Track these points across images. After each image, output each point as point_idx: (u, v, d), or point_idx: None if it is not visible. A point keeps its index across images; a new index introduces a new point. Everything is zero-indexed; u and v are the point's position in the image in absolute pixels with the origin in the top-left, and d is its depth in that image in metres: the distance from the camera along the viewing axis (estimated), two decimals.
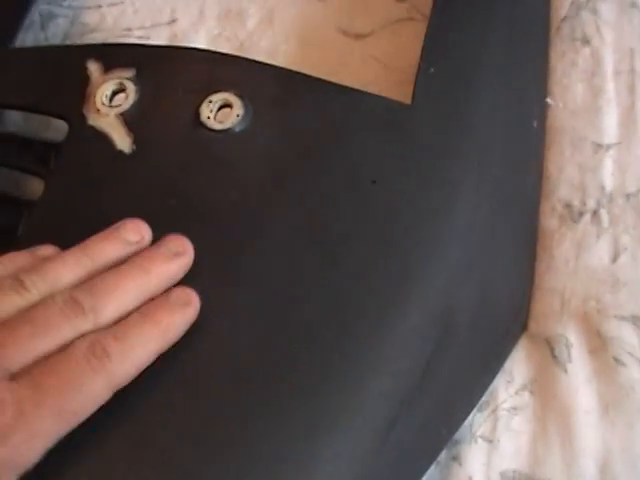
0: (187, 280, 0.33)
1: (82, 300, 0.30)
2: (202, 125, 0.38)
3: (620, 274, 0.39)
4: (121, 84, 0.39)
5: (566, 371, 0.37)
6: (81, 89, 0.40)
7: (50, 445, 0.27)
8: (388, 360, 0.34)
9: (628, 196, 0.41)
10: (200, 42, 0.46)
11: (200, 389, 0.32)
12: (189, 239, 0.34)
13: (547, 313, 0.39)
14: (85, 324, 0.29)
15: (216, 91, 0.38)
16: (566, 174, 0.42)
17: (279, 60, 0.43)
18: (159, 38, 0.46)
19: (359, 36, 0.45)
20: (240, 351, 0.33)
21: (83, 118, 0.39)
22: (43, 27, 0.46)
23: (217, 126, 0.38)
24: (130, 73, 0.40)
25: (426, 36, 0.40)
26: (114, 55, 0.40)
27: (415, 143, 0.38)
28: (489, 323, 0.38)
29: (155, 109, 0.39)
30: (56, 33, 0.47)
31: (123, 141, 0.38)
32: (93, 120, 0.39)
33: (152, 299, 0.31)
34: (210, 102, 0.38)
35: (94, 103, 0.39)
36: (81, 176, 0.38)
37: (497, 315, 0.39)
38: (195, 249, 0.34)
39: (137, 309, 0.31)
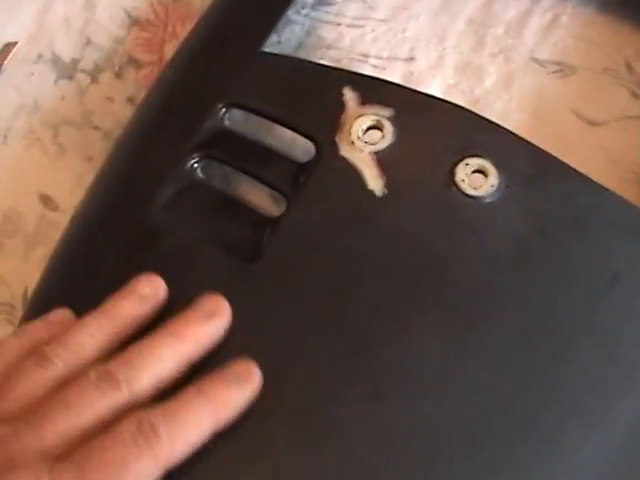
0: (409, 339, 0.34)
1: (115, 372, 0.29)
2: (456, 186, 0.37)
3: None
4: (378, 122, 0.39)
5: None
6: (334, 115, 0.39)
7: None
8: None
9: None
10: (435, 88, 0.45)
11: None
12: (422, 298, 0.35)
13: None
14: (120, 397, 0.29)
15: (473, 155, 0.38)
16: None
17: (510, 127, 0.43)
18: (394, 72, 0.46)
19: (592, 123, 0.45)
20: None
21: (335, 146, 0.39)
22: (277, 30, 0.46)
23: (470, 191, 0.37)
24: (388, 112, 0.39)
25: None
26: (373, 89, 0.40)
27: None
28: None
29: (410, 157, 0.38)
30: (290, 39, 0.47)
31: (375, 182, 0.38)
32: (346, 152, 0.38)
33: (203, 371, 0.31)
34: (467, 165, 0.38)
35: (349, 134, 0.39)
36: (327, 205, 0.38)
37: None
38: (427, 308, 0.35)
39: (192, 384, 0.30)
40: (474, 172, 0.38)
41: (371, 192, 0.37)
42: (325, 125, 0.39)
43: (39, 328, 0.32)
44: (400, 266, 0.36)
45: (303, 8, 0.48)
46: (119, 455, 0.27)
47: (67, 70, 0.49)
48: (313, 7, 0.48)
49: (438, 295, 0.36)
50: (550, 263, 0.37)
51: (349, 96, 0.40)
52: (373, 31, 0.47)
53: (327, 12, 0.48)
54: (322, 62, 0.46)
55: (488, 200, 0.37)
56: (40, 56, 0.49)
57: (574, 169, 0.39)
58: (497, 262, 0.36)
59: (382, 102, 0.40)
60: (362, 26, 0.47)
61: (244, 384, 0.30)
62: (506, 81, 0.46)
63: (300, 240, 0.37)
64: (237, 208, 0.40)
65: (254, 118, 0.40)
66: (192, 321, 0.31)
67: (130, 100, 0.47)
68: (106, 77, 0.48)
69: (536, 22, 0.47)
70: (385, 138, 0.39)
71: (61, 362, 0.30)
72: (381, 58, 0.46)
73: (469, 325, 0.35)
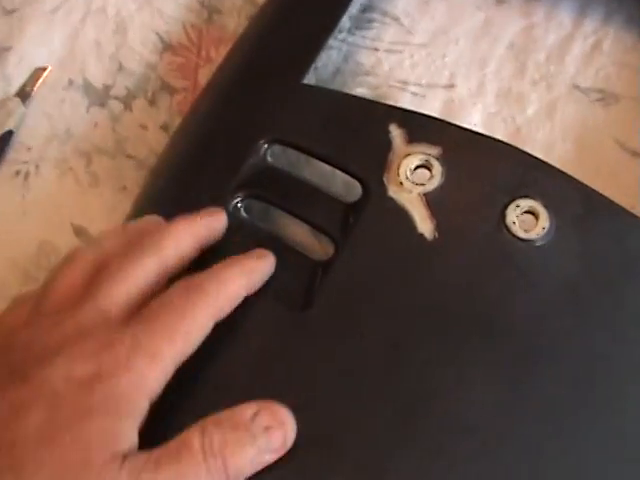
0: (462, 391, 0.34)
1: (138, 242, 0.34)
2: (507, 229, 0.37)
3: None
4: (427, 161, 0.38)
5: None
6: (381, 154, 0.39)
7: (170, 369, 0.31)
8: None
9: None
10: (476, 117, 0.45)
11: None
12: (474, 346, 0.35)
13: None
14: (158, 258, 0.33)
15: (524, 196, 0.38)
16: None
17: (553, 157, 0.43)
18: (435, 100, 0.45)
19: (635, 154, 0.44)
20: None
21: (383, 187, 0.38)
22: None
23: (521, 234, 0.37)
24: (436, 151, 0.39)
25: None
26: (420, 126, 0.39)
27: None
28: None
29: (460, 199, 0.38)
30: (327, 65, 0.46)
31: (425, 225, 0.37)
32: (394, 192, 0.38)
33: None
34: (517, 206, 0.37)
35: (397, 174, 0.38)
36: (377, 250, 0.37)
37: None
38: (478, 357, 0.35)
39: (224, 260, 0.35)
40: (524, 213, 0.37)
41: (421, 235, 0.37)
42: (372, 165, 0.39)
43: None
44: (451, 312, 0.36)
45: (340, 33, 0.47)
46: (178, 307, 0.31)
47: (99, 97, 0.48)
48: (350, 31, 0.47)
49: (489, 343, 0.35)
50: (603, 306, 0.36)
51: (396, 134, 0.39)
52: (412, 57, 0.46)
53: (364, 37, 0.47)
54: (361, 89, 0.45)
55: (539, 243, 0.37)
56: (71, 82, 0.48)
57: (624, 208, 0.38)
58: (549, 307, 0.36)
59: (429, 140, 0.39)
60: (400, 51, 0.46)
61: (264, 258, 0.36)
62: (548, 109, 0.45)
63: (352, 286, 0.36)
64: (282, 248, 0.39)
65: (292, 151, 0.40)
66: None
67: (164, 128, 0.47)
68: (139, 104, 0.47)
69: (578, 48, 0.46)
70: (434, 178, 0.38)
71: (90, 255, 0.34)
72: (421, 85, 0.46)
73: (522, 374, 0.35)
